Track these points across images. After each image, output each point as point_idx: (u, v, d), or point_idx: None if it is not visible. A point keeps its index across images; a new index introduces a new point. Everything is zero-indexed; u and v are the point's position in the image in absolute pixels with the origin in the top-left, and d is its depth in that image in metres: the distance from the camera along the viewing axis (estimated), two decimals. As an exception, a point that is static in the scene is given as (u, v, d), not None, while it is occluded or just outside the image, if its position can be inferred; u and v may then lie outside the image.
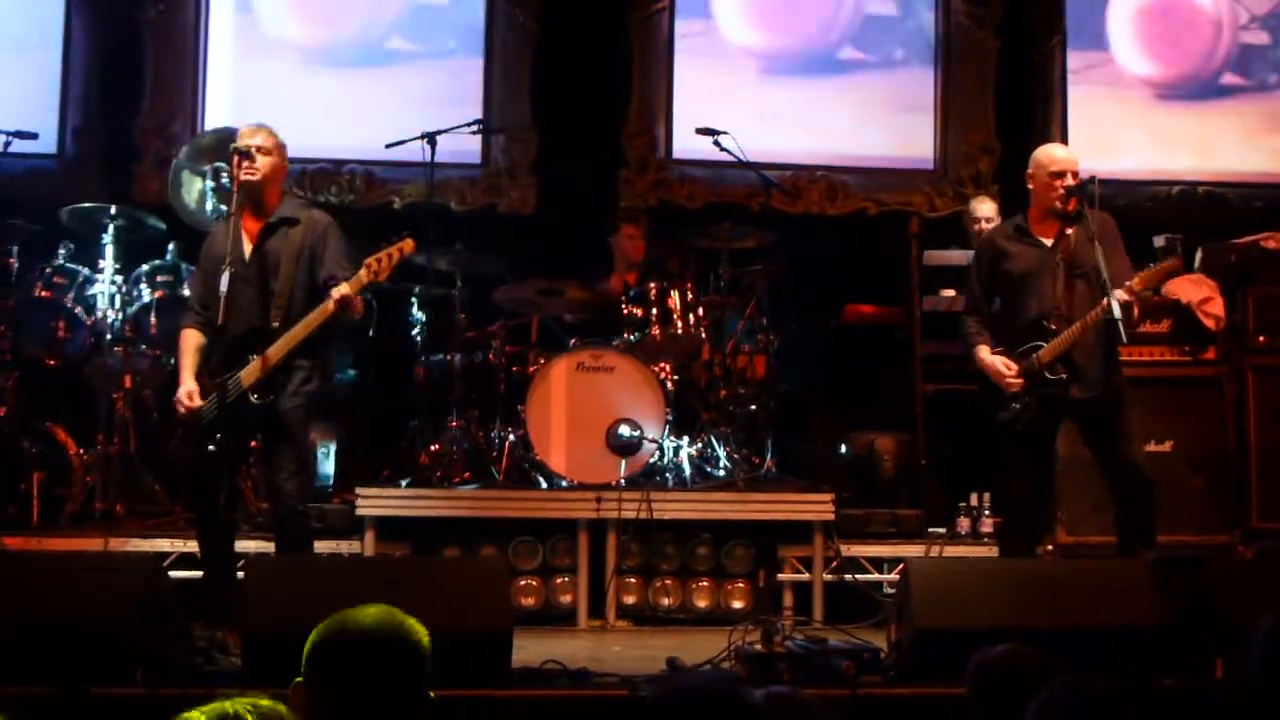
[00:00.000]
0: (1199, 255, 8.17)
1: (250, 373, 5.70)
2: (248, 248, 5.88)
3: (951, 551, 7.28)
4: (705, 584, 7.24)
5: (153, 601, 5.10)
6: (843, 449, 8.50)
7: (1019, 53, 10.07)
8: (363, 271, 5.69)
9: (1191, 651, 5.35)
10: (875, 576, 7.26)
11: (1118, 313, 5.78)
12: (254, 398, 5.70)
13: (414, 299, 7.99)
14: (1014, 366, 6.12)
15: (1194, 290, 7.64)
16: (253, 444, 6.34)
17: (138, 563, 5.70)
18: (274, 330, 5.74)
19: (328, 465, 7.96)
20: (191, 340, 5.93)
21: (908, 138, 10.01)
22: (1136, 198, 9.82)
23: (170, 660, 5.07)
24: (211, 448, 5.74)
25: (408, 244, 5.76)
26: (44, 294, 7.84)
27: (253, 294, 5.81)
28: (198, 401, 5.76)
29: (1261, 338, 7.61)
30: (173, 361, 7.70)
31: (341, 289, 5.65)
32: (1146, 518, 6.12)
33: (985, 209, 8.44)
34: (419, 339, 7.97)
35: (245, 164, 5.82)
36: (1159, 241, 8.14)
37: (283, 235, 5.90)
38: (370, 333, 8.11)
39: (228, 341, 5.77)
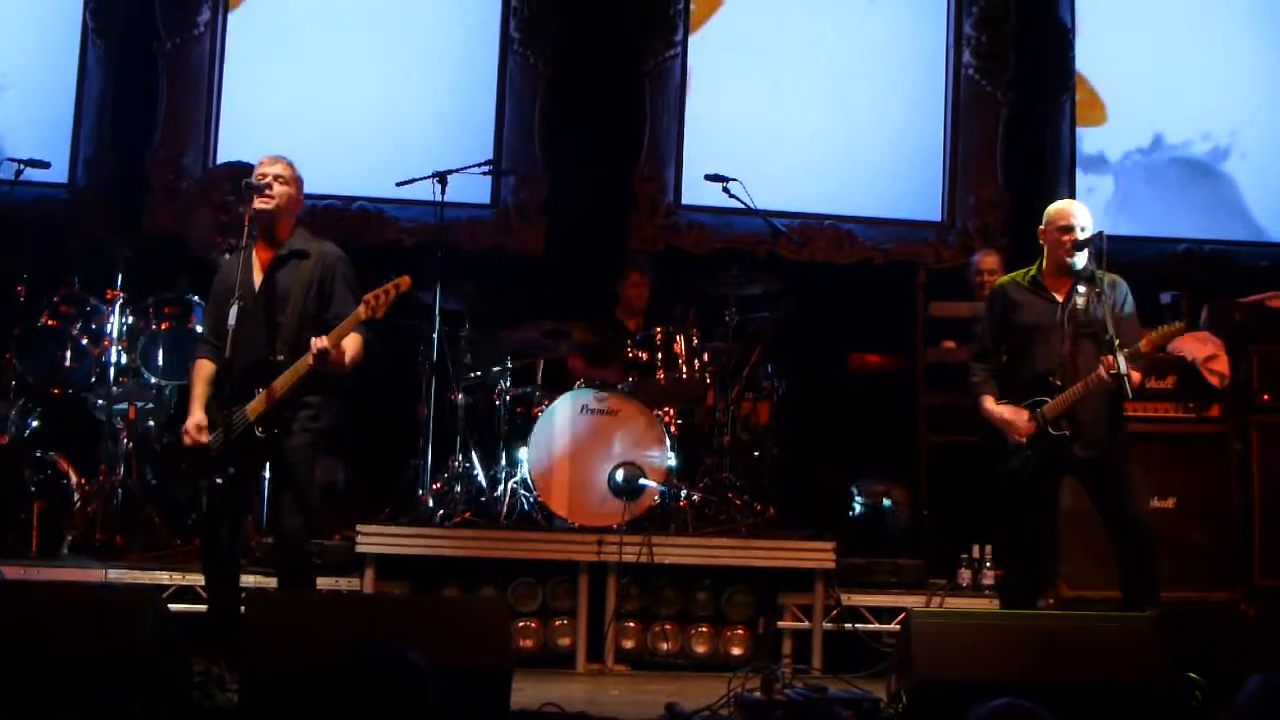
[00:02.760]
0: (1204, 313, 8.18)
1: (255, 406, 5.70)
2: (258, 278, 5.88)
3: (953, 603, 7.26)
4: (705, 630, 7.22)
5: (151, 634, 5.08)
6: (845, 498, 8.47)
7: (1029, 107, 10.13)
8: (360, 308, 5.68)
9: (1193, 709, 5.32)
10: (876, 626, 7.23)
11: (1123, 367, 5.77)
12: (259, 431, 5.69)
13: (420, 337, 7.99)
14: (1022, 413, 6.12)
15: (1199, 348, 7.64)
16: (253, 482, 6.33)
17: (137, 595, 5.67)
18: (280, 364, 5.72)
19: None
20: (204, 371, 5.93)
21: (916, 189, 10.06)
22: (1143, 255, 9.86)
23: (168, 693, 5.04)
24: (219, 480, 5.72)
25: (404, 281, 5.75)
26: (51, 323, 7.86)
27: (261, 326, 5.80)
28: (205, 437, 5.75)
29: (1266, 396, 7.62)
30: (168, 393, 7.76)
31: (320, 341, 5.63)
32: (1151, 574, 6.10)
33: (989, 262, 8.52)
34: (423, 377, 7.96)
35: (262, 193, 5.85)
36: (1165, 299, 8.18)
37: (293, 268, 5.91)
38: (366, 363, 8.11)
39: (236, 373, 5.75)
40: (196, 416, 5.81)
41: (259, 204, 5.85)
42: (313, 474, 5.94)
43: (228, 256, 6.11)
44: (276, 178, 5.89)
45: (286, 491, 5.84)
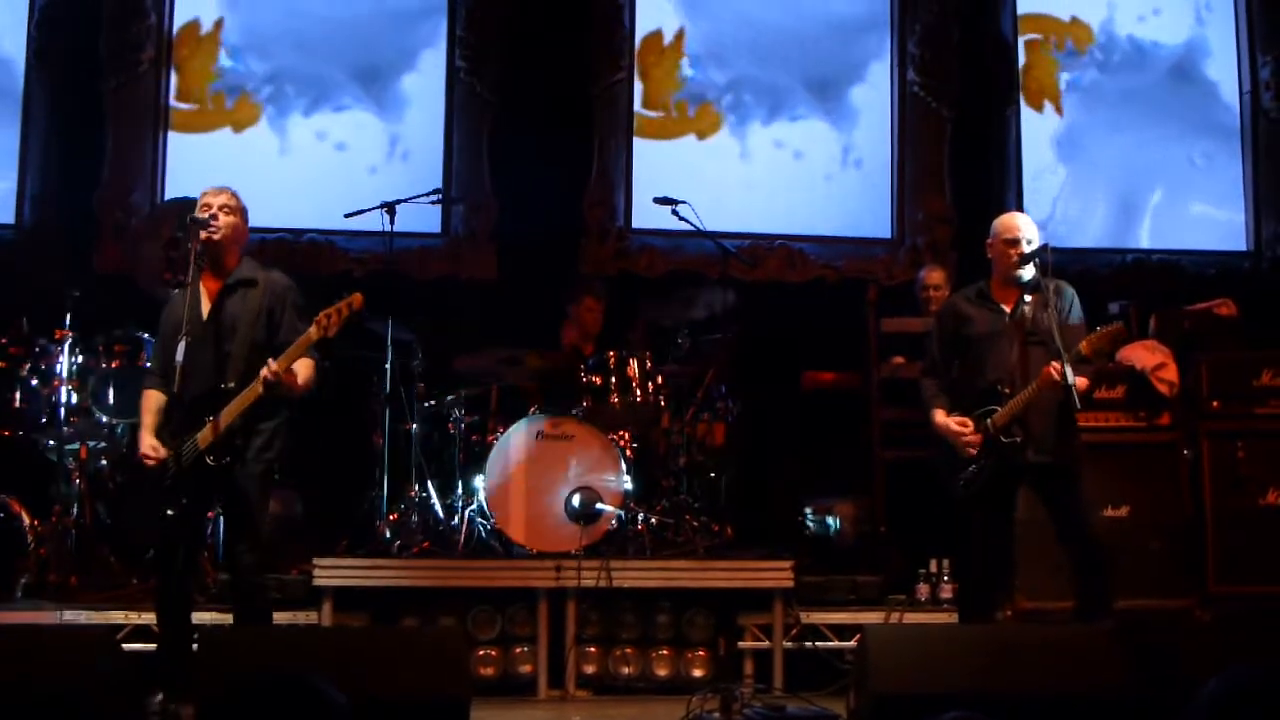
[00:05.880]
0: (1153, 322, 8.25)
1: (206, 435, 5.67)
2: (206, 309, 5.86)
3: (911, 618, 7.27)
4: (665, 652, 7.20)
5: (105, 675, 5.04)
6: (802, 516, 8.48)
7: (975, 122, 10.21)
8: (311, 329, 5.65)
9: (1150, 717, 5.34)
10: (836, 644, 7.24)
11: (1070, 378, 5.81)
12: (210, 460, 5.65)
13: (373, 367, 7.96)
14: (969, 424, 6.16)
15: (1148, 356, 7.71)
16: (209, 514, 6.27)
17: (91, 635, 5.62)
18: (229, 391, 5.70)
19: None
20: (153, 401, 5.90)
21: (866, 207, 10.12)
22: (1091, 265, 9.95)
23: (122, 734, 5.00)
24: (170, 512, 5.68)
25: (356, 299, 5.72)
26: (-1, 365, 7.80)
27: (210, 356, 5.77)
28: (163, 452, 5.71)
29: (1215, 403, 7.69)
30: (120, 431, 7.70)
31: (270, 366, 5.63)
32: (1103, 583, 6.13)
33: (934, 277, 8.60)
34: (378, 408, 7.94)
35: (207, 226, 5.83)
36: (1113, 308, 8.25)
37: (241, 297, 5.90)
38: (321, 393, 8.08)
39: (186, 403, 5.72)
40: (149, 440, 5.78)
41: (205, 235, 5.83)
42: (266, 503, 5.92)
43: (176, 291, 6.07)
44: (222, 208, 5.89)
45: (240, 526, 5.80)
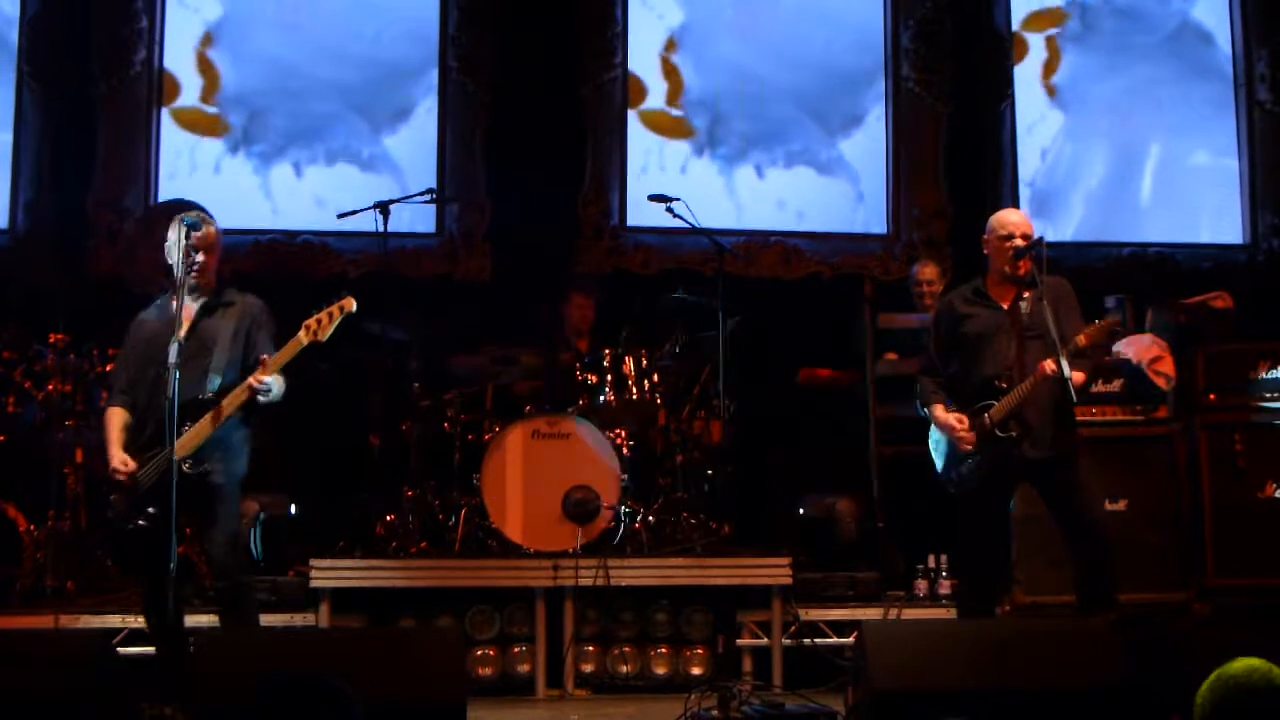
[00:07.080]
0: (1149, 315, 8.24)
1: (184, 443, 5.66)
2: (184, 327, 5.85)
3: (910, 614, 7.26)
4: (664, 651, 7.19)
5: (101, 680, 5.03)
6: (800, 512, 8.47)
7: (970, 117, 10.19)
8: (301, 333, 5.69)
9: (1149, 710, 5.34)
10: (835, 640, 7.22)
11: (1067, 371, 5.81)
12: (186, 467, 5.65)
13: (368, 368, 7.95)
14: (966, 421, 6.15)
15: (1144, 350, 7.70)
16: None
17: (87, 640, 5.62)
18: (208, 401, 5.74)
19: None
20: (117, 418, 5.94)
21: (862, 202, 10.10)
22: (1087, 259, 9.93)
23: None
24: (142, 522, 5.68)
25: (347, 302, 5.73)
26: (-7, 369, 7.78)
27: (190, 369, 5.77)
28: (132, 465, 5.73)
29: (1212, 396, 7.68)
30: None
31: (258, 375, 5.69)
32: (1106, 577, 6.10)
33: (927, 273, 8.57)
34: (373, 408, 7.92)
35: (193, 261, 5.84)
36: (1109, 303, 8.24)
37: (220, 315, 5.96)
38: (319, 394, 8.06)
39: (165, 414, 5.71)
40: (119, 455, 5.81)
41: (194, 277, 5.85)
42: (238, 508, 5.96)
43: (156, 301, 6.09)
44: (201, 244, 5.87)
45: (215, 529, 5.83)
